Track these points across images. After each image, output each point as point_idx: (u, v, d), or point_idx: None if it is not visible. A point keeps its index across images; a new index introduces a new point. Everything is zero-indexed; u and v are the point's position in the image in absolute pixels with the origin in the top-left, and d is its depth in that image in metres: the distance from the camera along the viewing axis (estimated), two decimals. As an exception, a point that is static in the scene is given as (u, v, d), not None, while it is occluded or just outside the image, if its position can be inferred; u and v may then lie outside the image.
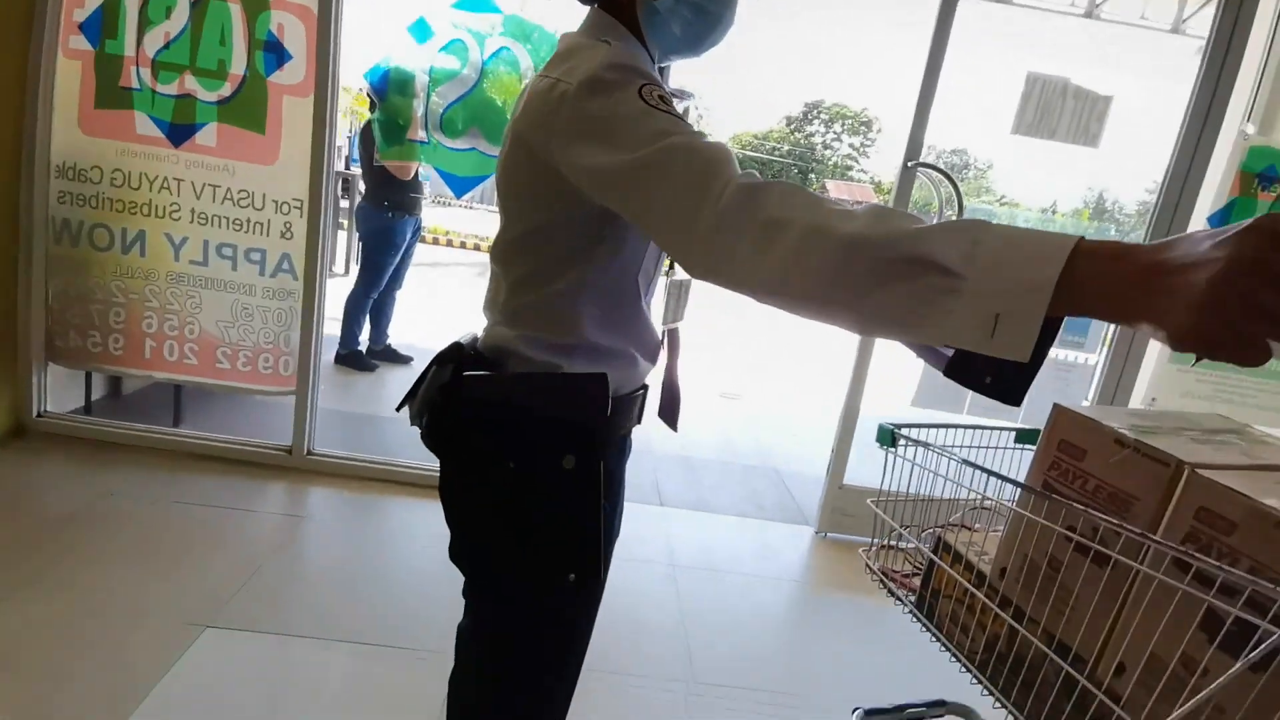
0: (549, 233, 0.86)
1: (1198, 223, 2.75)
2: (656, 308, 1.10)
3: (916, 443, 1.29)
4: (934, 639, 1.25)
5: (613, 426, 0.92)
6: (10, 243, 2.51)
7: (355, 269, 4.47)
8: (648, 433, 4.09)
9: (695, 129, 0.74)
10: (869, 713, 1.55)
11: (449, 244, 12.11)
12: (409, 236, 4.19)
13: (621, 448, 1.02)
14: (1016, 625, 1.06)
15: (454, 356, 0.91)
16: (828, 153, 41.79)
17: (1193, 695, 0.80)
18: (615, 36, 0.87)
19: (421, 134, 2.79)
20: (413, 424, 0.94)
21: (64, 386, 2.86)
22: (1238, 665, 0.75)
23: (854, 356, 2.86)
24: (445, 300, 6.94)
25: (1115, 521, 0.89)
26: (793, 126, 41.92)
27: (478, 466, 0.90)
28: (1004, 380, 0.59)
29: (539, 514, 0.89)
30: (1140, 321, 0.51)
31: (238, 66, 2.40)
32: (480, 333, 0.96)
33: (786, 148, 40.32)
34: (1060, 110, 2.81)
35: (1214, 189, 2.69)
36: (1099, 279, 0.51)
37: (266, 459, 2.76)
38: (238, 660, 1.73)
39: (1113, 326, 2.74)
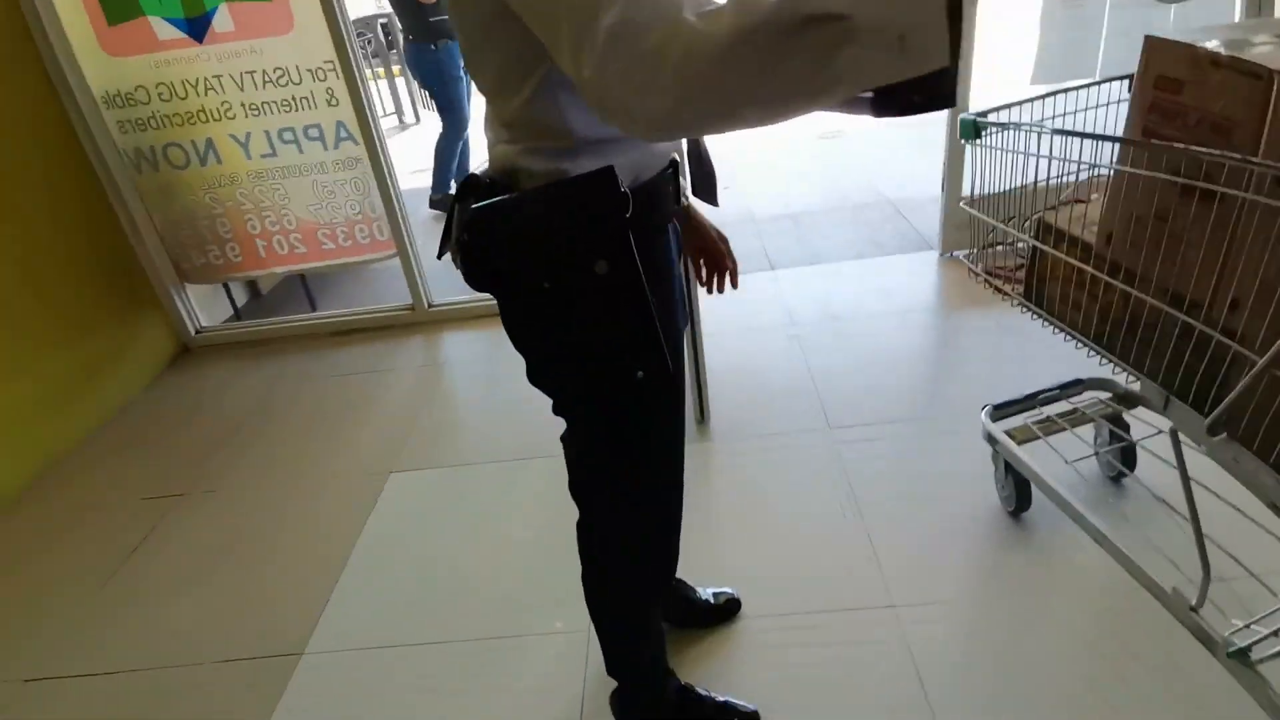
0: (502, 27, 0.79)
1: None
2: None
3: (1002, 126, 1.22)
4: (1046, 323, 1.27)
5: (645, 217, 0.90)
6: (91, 182, 2.73)
7: (427, 115, 4.43)
8: (746, 198, 4.04)
9: None
10: (998, 406, 1.62)
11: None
12: (462, 61, 4.11)
13: (665, 237, 1.01)
14: (1128, 288, 1.05)
15: (472, 189, 0.91)
16: None
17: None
18: None
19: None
20: (456, 266, 0.97)
21: (210, 301, 3.24)
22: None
23: None
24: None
25: (1217, 152, 0.83)
26: None
27: (517, 293, 0.94)
28: (931, 88, 0.56)
29: (588, 325, 0.92)
30: None
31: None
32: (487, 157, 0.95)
33: None
34: None
35: None
36: None
37: (396, 320, 3.05)
38: (422, 494, 2.06)
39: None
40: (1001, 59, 2.51)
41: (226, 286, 3.28)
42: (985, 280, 1.38)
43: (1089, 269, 1.10)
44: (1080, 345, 1.18)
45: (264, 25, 2.48)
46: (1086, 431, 1.59)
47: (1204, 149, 0.85)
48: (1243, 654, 1.03)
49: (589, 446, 1.07)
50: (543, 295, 0.90)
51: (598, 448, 1.06)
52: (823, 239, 3.37)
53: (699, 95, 0.60)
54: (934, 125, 2.87)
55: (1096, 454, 1.64)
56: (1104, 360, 1.14)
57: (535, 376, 1.01)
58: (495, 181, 0.91)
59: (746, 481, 1.91)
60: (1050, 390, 1.60)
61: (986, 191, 1.34)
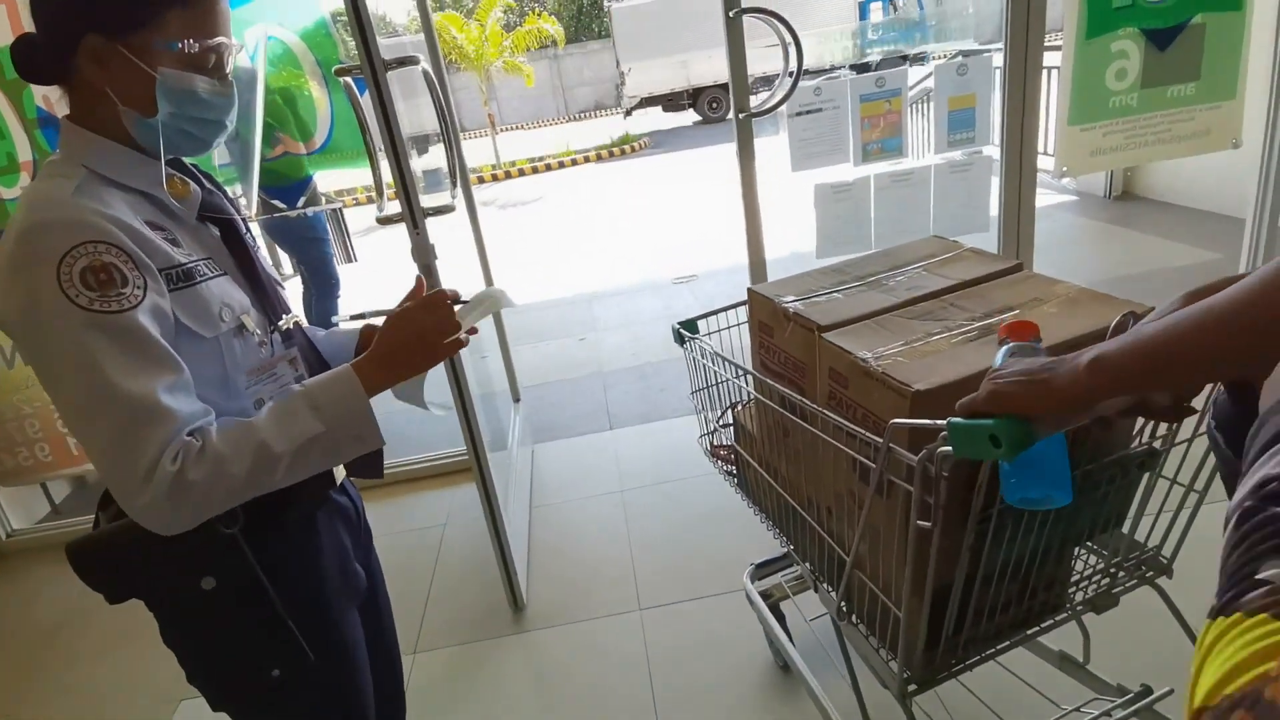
0: None
1: None
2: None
3: (691, 338, 1.46)
4: (749, 504, 1.47)
5: (275, 514, 0.96)
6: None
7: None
8: (597, 351, 4.30)
9: (125, 313, 0.79)
10: (760, 565, 1.81)
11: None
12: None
13: (315, 521, 1.05)
14: (772, 482, 1.26)
15: (104, 503, 0.97)
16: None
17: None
18: (87, 156, 0.88)
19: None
20: None
21: (27, 500, 3.17)
22: (869, 495, 0.94)
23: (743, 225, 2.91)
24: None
25: (781, 389, 1.07)
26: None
27: (156, 604, 0.98)
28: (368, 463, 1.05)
29: (205, 636, 0.97)
30: (407, 369, 0.98)
31: (24, 153, 2.50)
32: None
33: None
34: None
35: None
36: (381, 373, 0.95)
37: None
38: None
39: (1000, 116, 2.75)
40: (794, 236, 2.90)
41: (44, 484, 3.22)
42: (710, 459, 1.59)
43: (751, 460, 1.32)
44: (769, 527, 1.38)
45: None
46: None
47: (779, 385, 1.09)
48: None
49: None
50: (160, 608, 0.97)
51: None
52: (666, 392, 3.62)
53: (242, 499, 0.87)
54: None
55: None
56: (783, 543, 1.34)
57: (189, 677, 1.03)
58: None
59: (552, 678, 1.96)
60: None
61: (706, 384, 1.58)
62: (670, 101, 16.85)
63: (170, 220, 0.92)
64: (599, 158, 15.26)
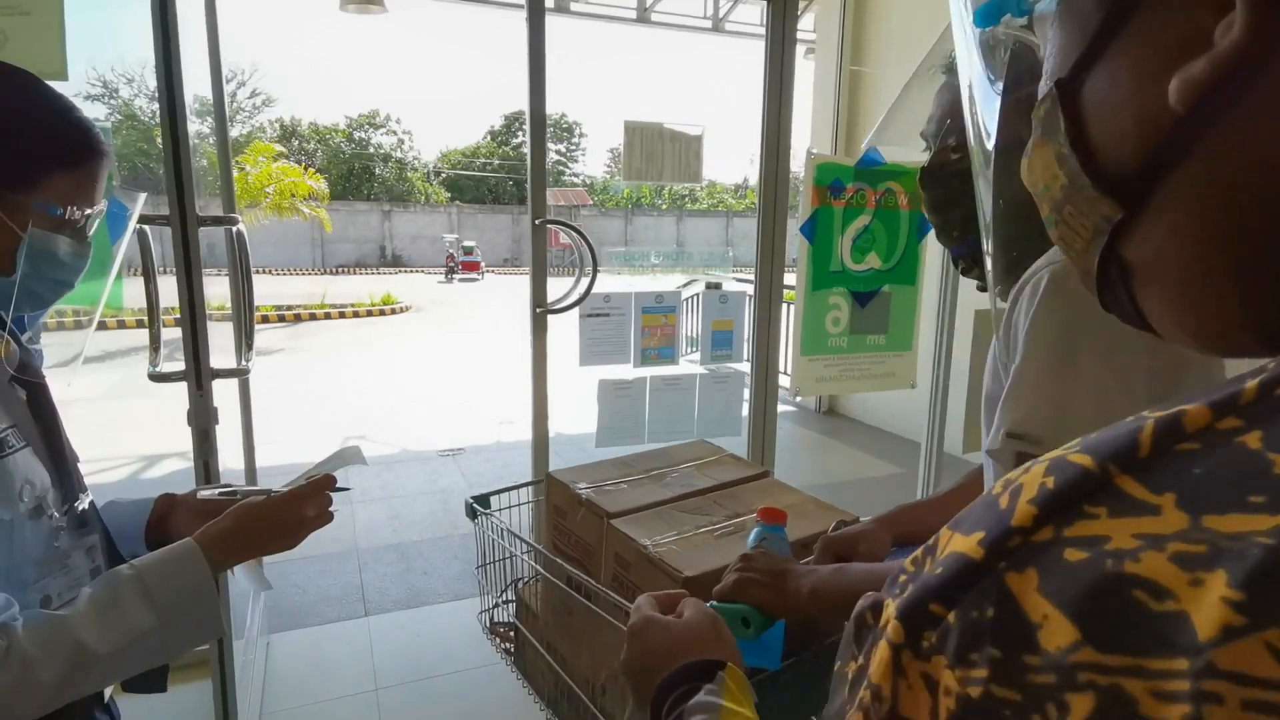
0: None
1: (794, 232, 3.48)
2: None
3: (485, 513, 1.59)
4: (524, 685, 1.56)
5: None
6: None
7: None
8: (352, 525, 4.11)
9: None
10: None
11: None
12: None
13: None
14: (553, 663, 1.40)
15: None
16: (536, 160, 44.33)
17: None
18: None
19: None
20: None
21: None
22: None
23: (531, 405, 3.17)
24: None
25: (569, 569, 1.25)
26: (499, 140, 43.37)
27: None
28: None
29: None
30: (262, 551, 0.99)
31: None
32: None
33: (497, 162, 41.52)
34: (662, 153, 3.41)
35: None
36: (225, 547, 0.92)
37: None
38: None
39: (749, 337, 3.37)
40: (568, 419, 3.17)
41: None
42: (489, 637, 1.68)
43: (532, 639, 1.45)
44: (542, 708, 1.49)
45: None
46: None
47: (568, 565, 1.27)
48: None
49: None
50: None
51: None
52: (425, 577, 3.53)
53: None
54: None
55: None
56: (557, 727, 1.45)
57: None
58: None
59: None
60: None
61: (492, 559, 1.70)
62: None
63: None
64: (356, 314, 15.09)
